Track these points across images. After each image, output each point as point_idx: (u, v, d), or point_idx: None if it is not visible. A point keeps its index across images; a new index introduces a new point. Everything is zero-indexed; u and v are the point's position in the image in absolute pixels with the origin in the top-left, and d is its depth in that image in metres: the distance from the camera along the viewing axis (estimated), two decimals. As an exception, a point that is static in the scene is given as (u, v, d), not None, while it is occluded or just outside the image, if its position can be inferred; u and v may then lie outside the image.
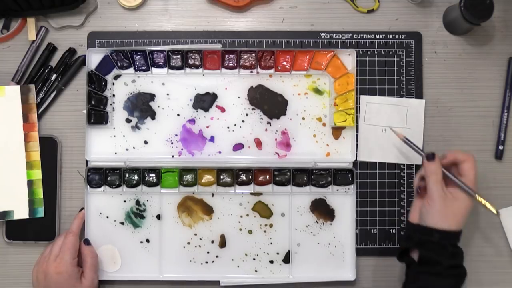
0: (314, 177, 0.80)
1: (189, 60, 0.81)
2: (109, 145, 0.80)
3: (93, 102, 0.79)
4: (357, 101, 0.81)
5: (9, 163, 0.79)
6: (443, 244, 0.67)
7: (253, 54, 0.80)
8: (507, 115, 0.81)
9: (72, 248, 0.74)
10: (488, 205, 0.69)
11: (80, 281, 0.74)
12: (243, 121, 0.81)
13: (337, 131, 0.81)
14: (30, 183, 0.79)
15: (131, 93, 0.81)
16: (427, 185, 0.69)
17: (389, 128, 0.78)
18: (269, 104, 0.81)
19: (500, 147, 0.81)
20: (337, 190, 0.80)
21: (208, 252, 0.80)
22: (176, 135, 0.81)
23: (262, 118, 0.81)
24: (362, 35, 0.82)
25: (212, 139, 0.81)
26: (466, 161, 0.70)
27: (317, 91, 0.81)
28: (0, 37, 0.81)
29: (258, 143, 0.81)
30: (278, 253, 0.80)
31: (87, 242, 0.78)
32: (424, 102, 0.81)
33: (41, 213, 0.79)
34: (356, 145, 0.80)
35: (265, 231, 0.80)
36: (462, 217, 0.68)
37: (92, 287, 0.75)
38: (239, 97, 0.81)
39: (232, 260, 0.80)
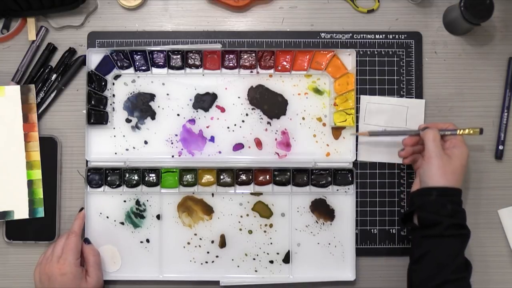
0: (314, 177, 0.80)
1: (189, 60, 0.81)
2: (109, 145, 0.80)
3: (93, 102, 0.79)
4: (357, 101, 0.81)
5: (9, 163, 0.79)
6: (442, 202, 0.68)
7: (253, 54, 0.80)
8: (507, 115, 0.81)
9: (75, 248, 0.74)
10: (471, 130, 0.73)
11: (86, 281, 0.74)
12: (243, 121, 0.81)
13: (337, 131, 0.81)
14: (30, 183, 0.79)
15: (131, 93, 0.81)
16: (425, 149, 0.71)
17: (353, 134, 0.80)
18: (269, 104, 0.81)
19: (500, 147, 0.81)
20: (337, 190, 0.80)
21: (208, 252, 0.80)
22: (176, 135, 0.81)
23: (262, 118, 0.81)
24: (362, 35, 0.82)
25: (212, 139, 0.81)
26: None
27: (317, 91, 0.81)
28: (0, 37, 0.81)
29: (258, 143, 0.81)
30: (278, 253, 0.80)
31: (87, 241, 0.78)
32: (424, 102, 0.81)
33: (41, 213, 0.79)
34: (356, 145, 0.81)
35: (265, 231, 0.80)
36: (460, 174, 0.70)
37: (98, 285, 0.75)
38: (239, 97, 0.81)
39: (232, 260, 0.80)
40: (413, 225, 0.72)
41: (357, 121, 0.81)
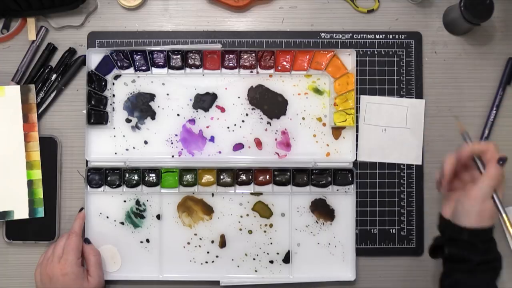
0: (314, 177, 0.80)
1: (189, 60, 0.81)
2: (109, 145, 0.80)
3: (93, 102, 0.79)
4: (357, 101, 0.81)
5: (9, 163, 0.79)
6: (473, 242, 0.65)
7: (253, 54, 0.80)
8: (495, 114, 0.81)
9: (75, 248, 0.74)
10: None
11: (87, 280, 0.74)
12: (243, 121, 0.81)
13: (337, 131, 0.81)
14: (30, 183, 0.79)
15: (131, 93, 0.81)
16: (478, 184, 0.66)
17: (454, 116, 0.77)
18: (269, 104, 0.81)
19: (500, 147, 0.81)
20: (337, 190, 0.80)
21: (208, 252, 0.80)
22: (176, 135, 0.81)
23: (262, 118, 0.81)
24: (362, 35, 0.82)
25: (212, 139, 0.81)
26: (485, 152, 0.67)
27: (317, 91, 0.81)
28: (0, 37, 0.81)
29: (258, 143, 0.81)
30: (278, 253, 0.80)
31: (87, 241, 0.78)
32: (424, 102, 0.81)
33: (41, 213, 0.79)
34: (356, 145, 0.81)
35: (265, 231, 0.80)
36: (496, 213, 0.66)
37: (100, 285, 0.75)
38: (239, 97, 0.81)
39: (232, 260, 0.80)
40: (444, 254, 0.68)
41: (357, 121, 0.81)
